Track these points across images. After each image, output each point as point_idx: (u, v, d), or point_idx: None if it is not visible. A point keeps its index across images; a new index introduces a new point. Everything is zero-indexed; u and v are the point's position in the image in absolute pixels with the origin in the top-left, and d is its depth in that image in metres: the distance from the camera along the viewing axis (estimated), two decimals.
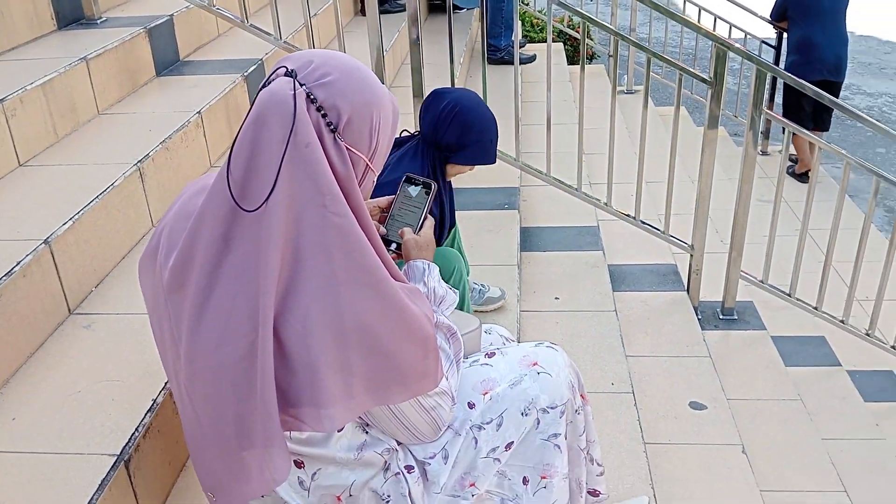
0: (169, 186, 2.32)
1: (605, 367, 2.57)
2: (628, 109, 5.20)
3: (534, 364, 1.49)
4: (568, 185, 3.15)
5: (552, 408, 1.46)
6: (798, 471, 2.54)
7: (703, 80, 2.92)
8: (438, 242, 2.22)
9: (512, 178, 3.39)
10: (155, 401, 1.55)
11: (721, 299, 3.25)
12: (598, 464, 1.62)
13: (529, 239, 3.30)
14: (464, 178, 3.46)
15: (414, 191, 1.50)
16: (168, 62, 3.04)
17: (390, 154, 2.14)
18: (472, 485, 1.41)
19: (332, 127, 1.14)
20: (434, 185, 1.50)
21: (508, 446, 1.43)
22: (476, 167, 2.18)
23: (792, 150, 5.44)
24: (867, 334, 3.26)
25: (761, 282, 3.21)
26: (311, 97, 1.13)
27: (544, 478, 1.47)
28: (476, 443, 1.41)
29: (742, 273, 3.19)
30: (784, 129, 3.16)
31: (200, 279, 1.15)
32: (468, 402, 1.42)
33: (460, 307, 2.24)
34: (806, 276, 3.24)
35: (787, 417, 2.74)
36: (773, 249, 3.17)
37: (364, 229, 1.17)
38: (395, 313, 1.18)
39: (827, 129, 5.32)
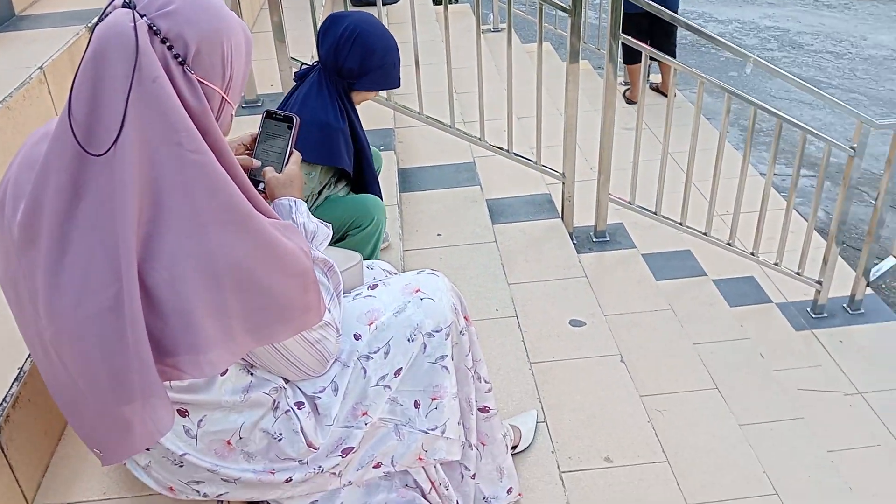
0: (13, 149, 2.15)
1: (490, 295, 2.65)
2: (496, 47, 5.25)
3: (416, 291, 1.51)
4: (442, 123, 3.17)
5: (437, 331, 1.49)
6: (673, 374, 2.73)
7: (563, 9, 2.98)
8: (364, 176, 2.12)
9: (386, 120, 3.38)
10: (22, 369, 1.47)
11: (594, 223, 3.40)
12: (485, 381, 1.68)
13: (408, 179, 3.31)
14: None
15: (276, 127, 1.47)
16: (2, 18, 2.79)
17: (294, 91, 2.08)
18: (365, 413, 1.43)
19: (179, 59, 1.09)
20: (296, 120, 1.46)
21: (397, 373, 1.46)
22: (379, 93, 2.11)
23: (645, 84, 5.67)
24: (728, 244, 3.50)
25: (629, 203, 3.37)
26: (154, 28, 1.07)
27: (435, 399, 1.51)
28: (365, 373, 1.43)
29: (611, 197, 3.34)
30: (642, 54, 3.29)
31: (53, 231, 1.09)
32: (354, 334, 1.44)
33: (370, 255, 2.21)
34: (670, 196, 3.43)
35: (659, 326, 2.92)
36: (639, 173, 3.34)
37: (226, 166, 1.13)
38: (267, 249, 1.16)
39: (673, 54, 5.55)
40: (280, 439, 1.34)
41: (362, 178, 2.17)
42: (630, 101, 5.53)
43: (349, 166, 2.06)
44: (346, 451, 1.41)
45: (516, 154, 3.26)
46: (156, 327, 1.10)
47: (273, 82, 3.21)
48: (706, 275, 3.52)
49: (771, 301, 3.62)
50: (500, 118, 3.32)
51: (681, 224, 3.41)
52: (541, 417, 2.17)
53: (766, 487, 2.33)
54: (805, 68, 6.65)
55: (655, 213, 3.40)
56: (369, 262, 1.78)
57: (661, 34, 5.00)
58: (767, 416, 2.69)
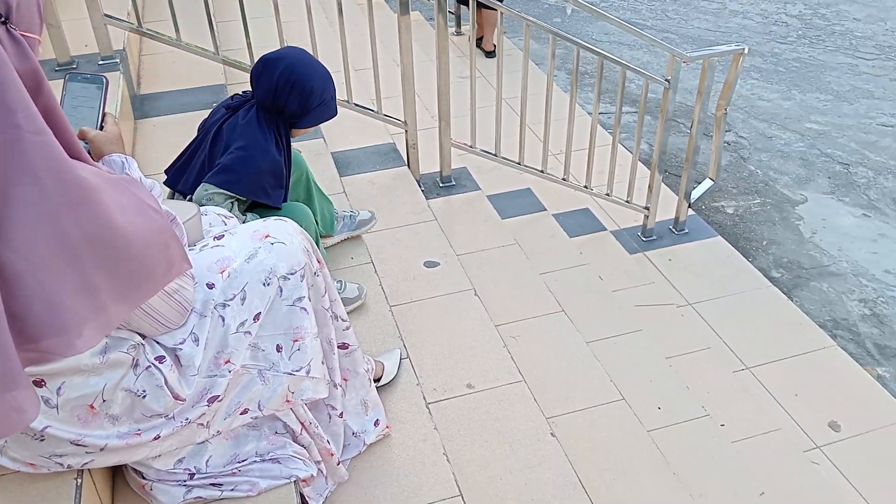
0: None
1: (344, 245, 2.67)
2: (325, 2, 5.17)
3: (266, 236, 1.51)
4: None
5: (291, 273, 1.51)
6: (523, 303, 2.89)
7: None
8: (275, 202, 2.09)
9: (217, 75, 3.26)
10: None
11: (439, 169, 3.48)
12: (342, 319, 1.72)
13: None
14: (158, 80, 3.27)
15: (82, 88, 1.42)
16: None
17: (226, 118, 2.04)
18: (228, 361, 1.43)
19: (2, 19, 1.02)
20: (105, 80, 1.43)
21: (256, 317, 1.47)
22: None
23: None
24: (563, 180, 3.70)
25: (470, 147, 3.48)
26: None
27: (296, 340, 1.53)
28: (223, 321, 1.42)
29: (453, 142, 3.43)
30: (468, 3, 3.36)
31: None
32: (207, 283, 1.42)
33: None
34: (508, 139, 3.57)
35: (507, 260, 3.07)
36: (477, 118, 3.45)
37: (62, 133, 1.09)
38: (122, 216, 1.13)
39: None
40: (144, 396, 1.32)
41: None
42: (489, 54, 5.62)
43: (276, 186, 2.06)
44: (212, 400, 1.41)
45: (357, 105, 3.27)
46: (18, 316, 1.04)
47: (88, 42, 3.01)
48: (546, 210, 3.71)
49: (605, 229, 3.89)
50: (338, 70, 3.29)
51: (519, 164, 3.57)
52: (404, 355, 2.25)
53: (614, 394, 2.55)
54: (622, 11, 7.06)
55: (495, 156, 3.53)
56: (203, 208, 1.75)
57: None
58: (610, 332, 2.92)
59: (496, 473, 2.07)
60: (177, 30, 3.02)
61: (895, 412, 2.93)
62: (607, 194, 3.79)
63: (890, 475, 2.67)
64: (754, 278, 3.66)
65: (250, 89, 2.10)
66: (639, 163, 3.85)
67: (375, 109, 3.31)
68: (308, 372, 1.56)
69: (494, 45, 5.64)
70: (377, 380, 2.04)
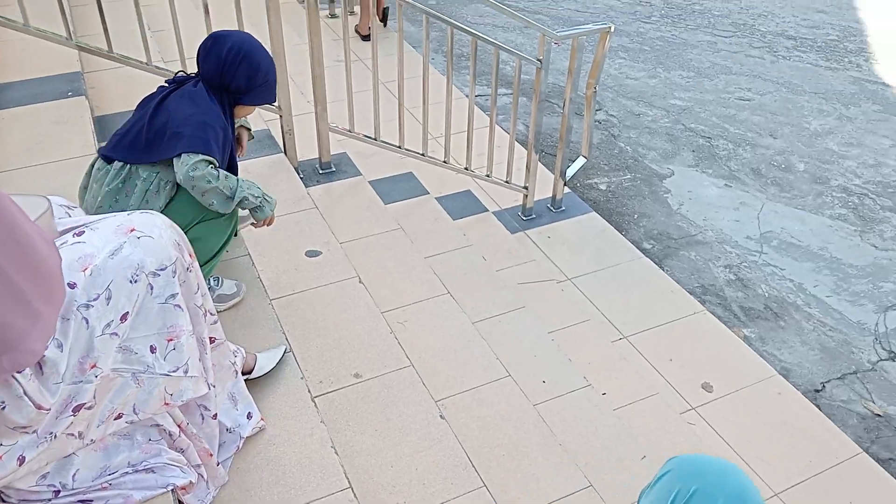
0: None
1: None
2: None
3: (131, 230, 1.43)
4: (139, 62, 2.93)
5: (161, 269, 1.43)
6: (410, 287, 2.89)
7: None
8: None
9: (71, 63, 3.05)
10: None
11: (318, 155, 3.41)
12: (211, 314, 1.65)
13: (107, 128, 3.05)
14: (8, 70, 3.02)
15: None
16: None
17: (169, 93, 2.03)
18: (94, 366, 1.34)
19: None
20: None
21: (124, 317, 1.38)
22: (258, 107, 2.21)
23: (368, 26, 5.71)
24: (444, 162, 3.72)
25: (349, 132, 3.43)
26: None
27: (171, 340, 1.46)
28: (87, 322, 1.33)
29: (331, 127, 3.37)
30: None
31: None
32: (68, 283, 1.32)
33: (222, 247, 2.18)
34: (387, 123, 3.55)
35: (392, 245, 3.06)
36: (355, 102, 3.40)
37: None
38: (22, 217, 1.12)
39: None
40: (3, 407, 1.22)
41: None
42: (365, 38, 5.53)
43: (222, 161, 2.04)
44: (78, 408, 1.32)
45: None
46: None
47: None
48: (429, 193, 3.72)
49: (487, 210, 3.95)
50: None
51: (400, 148, 3.55)
52: (288, 348, 2.19)
53: (501, 371, 2.59)
54: None
55: (375, 140, 3.50)
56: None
57: None
58: (495, 311, 2.97)
59: (387, 461, 2.07)
60: (24, 14, 2.79)
61: (762, 370, 3.14)
62: (487, 175, 3.84)
63: (759, 429, 2.87)
64: (628, 251, 3.82)
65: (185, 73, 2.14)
66: (516, 143, 3.93)
67: None
68: (186, 371, 1.49)
69: (370, 28, 5.58)
70: (248, 372, 1.97)
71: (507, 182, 3.90)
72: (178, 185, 2.05)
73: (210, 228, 2.13)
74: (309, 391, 2.08)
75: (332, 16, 5.92)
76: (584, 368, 2.90)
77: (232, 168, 2.18)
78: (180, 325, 1.46)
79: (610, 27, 3.69)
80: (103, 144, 2.12)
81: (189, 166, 1.92)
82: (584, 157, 4.31)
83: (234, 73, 2.04)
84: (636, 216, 4.26)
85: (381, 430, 2.14)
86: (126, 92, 3.26)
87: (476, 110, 3.83)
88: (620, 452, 2.48)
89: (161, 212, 1.99)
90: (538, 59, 3.52)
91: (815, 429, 2.88)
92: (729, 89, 5.69)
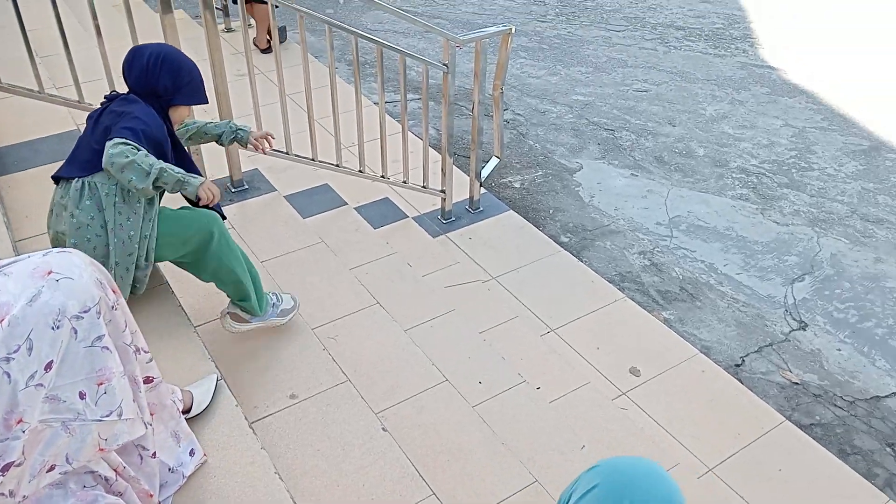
0: None
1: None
2: (75, 3, 4.71)
3: (49, 273, 1.35)
4: (29, 91, 2.78)
5: (85, 311, 1.36)
6: (338, 300, 2.85)
7: None
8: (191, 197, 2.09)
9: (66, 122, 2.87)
10: None
11: (228, 174, 3.32)
12: (144, 351, 1.58)
13: (6, 161, 2.87)
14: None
15: None
16: None
17: (103, 111, 2.10)
18: (20, 421, 1.26)
19: None
20: None
21: (48, 367, 1.30)
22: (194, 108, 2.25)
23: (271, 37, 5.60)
24: (360, 172, 3.69)
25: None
26: None
27: (101, 384, 1.39)
28: (9, 377, 1.25)
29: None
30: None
31: None
32: None
33: (222, 268, 2.23)
34: (298, 136, 3.49)
35: (316, 260, 3.01)
36: (263, 117, 3.33)
37: None
38: None
39: None
40: None
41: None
42: (265, 51, 5.42)
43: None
44: (7, 468, 1.24)
45: None
46: None
47: None
48: (347, 204, 3.68)
49: (407, 216, 3.94)
50: (99, 78, 3.02)
51: (313, 160, 3.50)
52: (219, 376, 2.13)
53: (438, 377, 2.59)
54: (392, 1, 7.15)
55: (287, 154, 3.43)
56: None
57: None
58: (426, 317, 2.97)
59: (332, 480, 2.03)
60: None
61: (684, 350, 3.27)
62: (404, 182, 3.83)
63: (687, 408, 2.98)
64: (547, 245, 3.89)
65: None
66: (430, 148, 3.94)
67: None
68: (120, 414, 1.42)
69: (269, 41, 5.47)
70: (187, 411, 1.91)
71: (424, 187, 3.90)
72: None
73: (210, 255, 2.20)
74: (245, 418, 2.02)
75: (228, 30, 5.79)
76: (517, 365, 2.93)
77: (190, 171, 2.19)
78: (110, 368, 1.39)
79: (511, 29, 3.76)
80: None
81: (109, 146, 1.95)
82: (497, 158, 4.36)
83: (158, 76, 2.12)
84: (551, 211, 4.35)
85: (323, 450, 2.10)
86: (19, 121, 3.09)
87: (387, 117, 3.81)
88: (561, 444, 2.52)
89: (153, 223, 2.10)
90: (444, 64, 3.55)
91: (740, 402, 3.02)
92: (626, 82, 5.88)
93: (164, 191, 2.11)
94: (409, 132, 3.90)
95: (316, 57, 5.37)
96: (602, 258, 3.99)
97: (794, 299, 3.77)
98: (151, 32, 3.65)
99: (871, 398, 3.23)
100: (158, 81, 2.12)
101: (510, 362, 2.90)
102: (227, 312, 2.37)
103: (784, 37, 6.79)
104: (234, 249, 2.27)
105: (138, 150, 1.96)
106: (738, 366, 3.34)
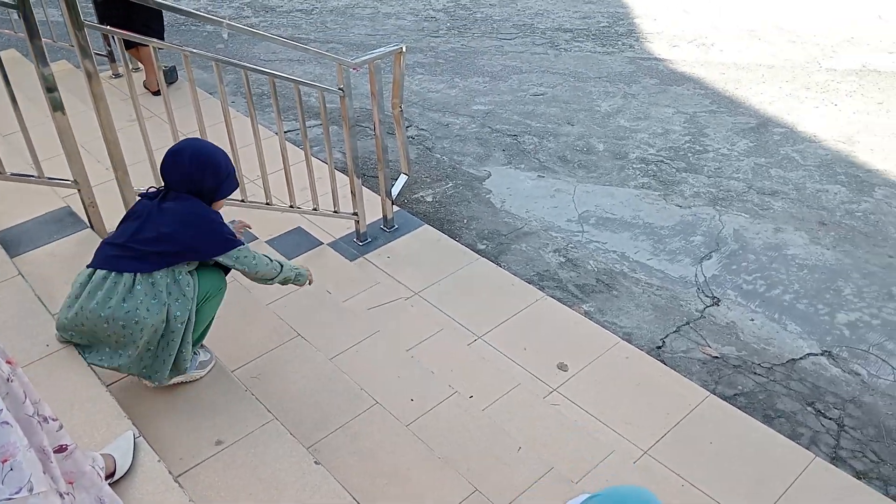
0: None
1: (34, 332, 2.35)
2: None
3: None
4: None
5: None
6: (257, 338, 2.79)
7: (8, 5, 2.68)
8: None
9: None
10: None
11: None
12: (52, 419, 1.51)
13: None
14: None
15: None
16: None
17: (145, 207, 2.25)
18: None
19: None
20: None
21: None
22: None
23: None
24: (267, 204, 3.64)
25: None
26: None
27: (6, 460, 1.31)
28: None
29: (137, 191, 3.18)
30: (116, 39, 3.13)
31: None
32: None
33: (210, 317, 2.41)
34: None
35: (229, 300, 2.89)
36: (158, 161, 3.23)
37: None
38: None
39: (161, 37, 5.45)
40: None
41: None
42: (157, 93, 5.26)
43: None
44: None
45: (14, 174, 2.89)
46: None
47: None
48: (258, 238, 3.62)
49: (322, 243, 3.90)
50: None
51: None
52: (137, 433, 2.04)
53: (368, 401, 2.57)
54: (283, 28, 7.10)
55: None
56: None
57: (140, 18, 4.79)
58: (350, 342, 2.94)
59: None
60: None
61: (607, 340, 3.34)
62: (315, 209, 3.79)
63: (616, 395, 3.04)
64: (464, 255, 3.92)
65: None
66: (337, 172, 3.92)
67: (36, 174, 2.95)
68: (31, 489, 1.35)
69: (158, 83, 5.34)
70: (111, 475, 1.83)
71: (335, 212, 3.87)
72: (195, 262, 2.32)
73: (212, 303, 2.39)
74: (170, 472, 1.94)
75: (116, 75, 5.62)
76: (447, 377, 2.94)
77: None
78: (13, 443, 1.32)
79: (402, 48, 3.78)
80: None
81: (243, 260, 2.32)
82: (405, 174, 4.38)
83: (202, 180, 2.26)
84: (466, 220, 4.39)
85: (256, 493, 2.05)
86: None
87: (290, 146, 3.77)
88: (497, 450, 2.53)
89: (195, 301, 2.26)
90: (340, 88, 3.54)
91: (665, 382, 3.10)
92: (523, 87, 6.01)
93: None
94: (315, 158, 3.87)
95: (211, 94, 5.28)
96: (519, 260, 4.04)
97: (705, 277, 3.91)
98: (33, 85, 3.52)
99: (787, 362, 3.38)
100: (202, 183, 2.27)
101: (440, 375, 2.91)
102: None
103: (666, 29, 7.08)
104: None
105: (269, 259, 2.41)
106: (659, 347, 3.44)
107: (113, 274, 2.17)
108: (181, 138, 3.25)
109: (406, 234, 4.10)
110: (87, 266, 2.23)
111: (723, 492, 2.63)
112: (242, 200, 3.51)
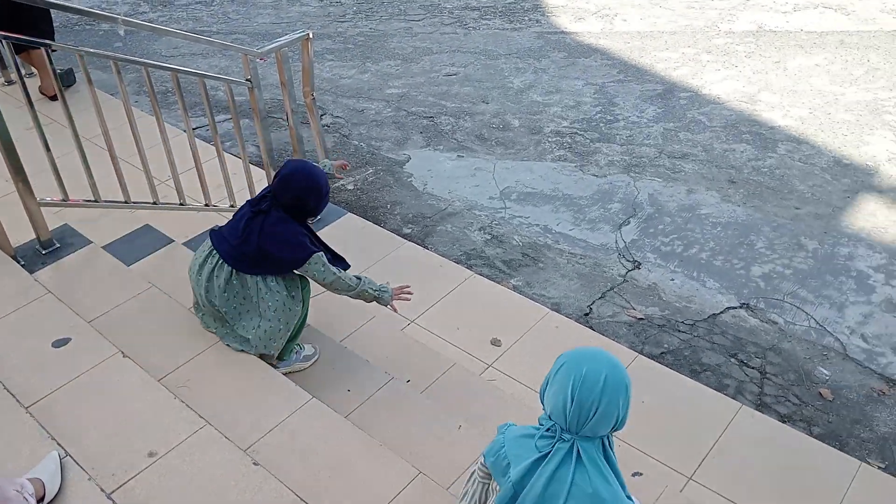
0: None
1: None
2: None
3: None
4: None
5: None
6: (183, 344, 2.70)
7: None
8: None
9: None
10: None
11: (35, 236, 3.06)
12: None
13: None
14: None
15: None
16: None
17: (252, 218, 2.57)
18: None
19: None
20: None
21: None
22: None
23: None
24: (182, 205, 3.52)
25: (64, 201, 3.11)
26: None
27: None
28: None
29: (41, 201, 3.04)
30: (4, 43, 2.96)
31: None
32: None
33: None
34: (106, 180, 3.27)
35: (149, 307, 2.84)
36: (65, 167, 3.09)
37: None
38: None
39: (52, 38, 5.17)
40: None
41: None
42: (54, 98, 4.98)
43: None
44: None
45: None
46: None
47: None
48: (174, 241, 3.50)
49: None
50: None
51: (127, 203, 3.30)
52: (63, 454, 1.96)
53: (304, 395, 2.53)
54: (183, 22, 6.85)
55: (97, 202, 3.21)
56: None
57: (25, 20, 4.53)
58: None
59: None
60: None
61: (537, 312, 3.39)
62: (231, 206, 3.69)
63: (548, 364, 3.07)
64: (390, 240, 3.90)
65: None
66: (252, 166, 3.82)
67: None
68: None
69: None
70: (41, 500, 1.75)
71: None
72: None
73: (305, 305, 2.75)
74: (102, 490, 1.87)
75: (9, 82, 5.32)
76: (383, 364, 2.93)
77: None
78: None
79: (308, 34, 3.71)
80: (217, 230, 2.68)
81: (322, 275, 2.59)
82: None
83: (306, 200, 2.56)
84: (389, 206, 4.36)
85: (195, 502, 1.99)
86: None
87: (202, 143, 3.66)
88: (439, 430, 2.54)
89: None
90: (248, 80, 3.45)
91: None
92: (435, 68, 5.99)
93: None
94: (228, 154, 3.76)
95: (112, 94, 5.05)
96: (446, 241, 4.05)
97: (625, 242, 4.01)
98: None
99: (708, 317, 3.51)
100: (306, 204, 2.57)
101: (376, 363, 2.89)
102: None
103: (570, 3, 7.18)
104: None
105: (343, 279, 2.62)
106: (587, 314, 3.52)
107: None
108: (83, 143, 3.12)
109: (329, 224, 4.04)
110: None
111: (658, 447, 2.72)
112: (154, 203, 3.39)
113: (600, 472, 1.54)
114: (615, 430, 1.60)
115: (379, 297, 2.72)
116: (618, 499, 1.54)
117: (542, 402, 1.64)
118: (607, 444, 1.61)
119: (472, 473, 1.77)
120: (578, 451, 1.55)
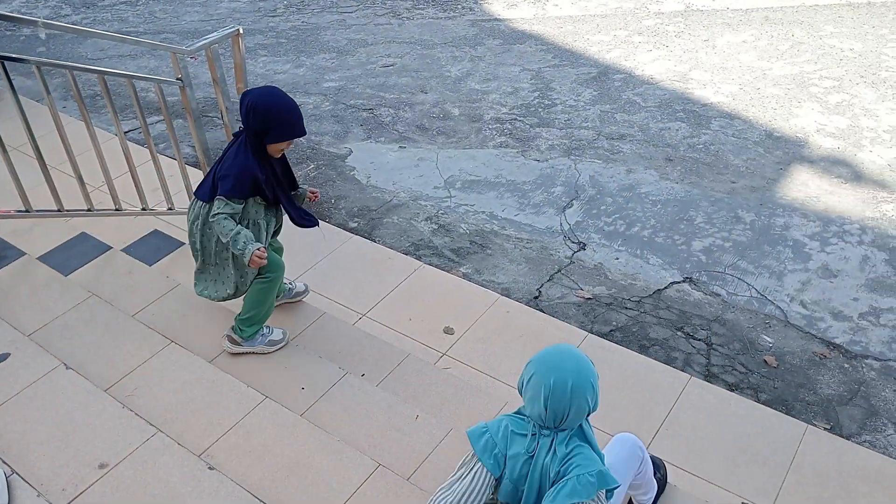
0: None
1: None
2: None
3: None
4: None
5: None
6: (127, 352, 2.63)
7: None
8: (286, 208, 2.74)
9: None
10: None
11: None
12: None
13: None
14: None
15: None
16: None
17: (230, 146, 2.61)
18: None
19: None
20: None
21: None
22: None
23: None
24: (118, 210, 3.42)
25: None
26: None
27: None
28: None
29: None
30: None
31: None
32: None
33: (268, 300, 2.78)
34: (36, 189, 3.15)
35: (90, 317, 2.76)
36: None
37: None
38: None
39: None
40: None
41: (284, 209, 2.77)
42: None
43: (247, 195, 2.58)
44: None
45: None
46: None
47: None
48: (112, 247, 3.41)
49: (184, 243, 3.70)
50: None
51: (60, 211, 3.19)
52: (9, 472, 1.89)
53: (257, 397, 2.49)
54: (108, 23, 6.65)
55: (28, 212, 3.10)
56: None
57: None
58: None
59: None
60: None
61: (487, 298, 3.40)
62: (170, 209, 3.61)
63: (504, 349, 3.12)
64: (337, 235, 3.87)
65: None
66: (189, 167, 3.74)
67: None
68: None
69: None
70: None
71: None
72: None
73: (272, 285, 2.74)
74: None
75: None
76: (336, 359, 2.90)
77: (276, 202, 2.70)
78: None
79: (238, 29, 3.63)
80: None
81: (213, 211, 2.53)
82: None
83: (250, 122, 2.51)
84: (333, 200, 4.32)
85: None
86: None
87: (135, 146, 3.56)
88: (396, 422, 2.54)
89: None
90: (178, 79, 3.36)
91: (546, 329, 3.21)
92: (372, 60, 5.95)
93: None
94: (162, 156, 3.67)
95: (38, 101, 4.87)
96: (393, 233, 4.04)
97: (569, 224, 4.06)
98: None
99: (653, 293, 3.58)
100: (250, 126, 2.51)
101: (328, 359, 2.87)
102: (226, 335, 2.78)
103: None
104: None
105: (226, 225, 2.51)
106: (536, 298, 3.55)
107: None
108: (10, 152, 3.00)
109: None
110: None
111: (613, 422, 2.77)
112: (89, 209, 3.29)
113: (580, 451, 1.76)
114: (590, 415, 1.81)
115: (241, 255, 2.58)
116: (591, 460, 1.74)
117: (521, 395, 1.80)
118: (584, 422, 1.83)
119: (462, 474, 1.75)
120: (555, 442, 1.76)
